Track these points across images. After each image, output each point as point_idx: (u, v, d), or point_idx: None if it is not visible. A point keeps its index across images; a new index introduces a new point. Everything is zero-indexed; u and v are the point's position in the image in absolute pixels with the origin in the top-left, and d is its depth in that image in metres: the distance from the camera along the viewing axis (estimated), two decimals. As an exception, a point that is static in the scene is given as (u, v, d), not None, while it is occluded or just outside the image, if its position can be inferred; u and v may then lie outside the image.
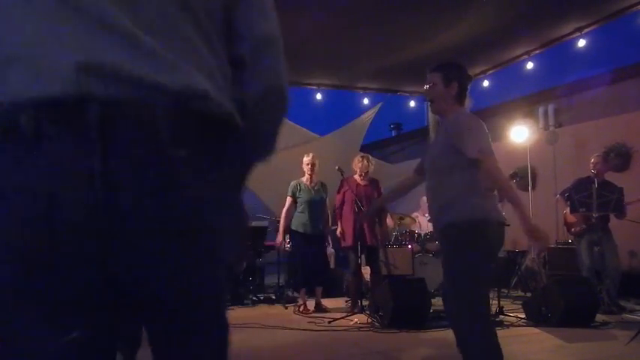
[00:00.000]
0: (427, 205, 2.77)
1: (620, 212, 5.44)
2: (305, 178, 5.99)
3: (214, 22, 0.90)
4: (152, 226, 0.77)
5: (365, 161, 5.86)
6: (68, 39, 0.76)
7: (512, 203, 2.39)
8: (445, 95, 2.60)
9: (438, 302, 5.61)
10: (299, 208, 5.91)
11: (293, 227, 5.96)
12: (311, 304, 5.88)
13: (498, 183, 2.49)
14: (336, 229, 6.11)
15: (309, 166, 5.94)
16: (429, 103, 2.72)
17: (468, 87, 2.69)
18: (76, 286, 0.77)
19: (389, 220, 6.74)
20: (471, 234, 2.43)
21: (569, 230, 5.94)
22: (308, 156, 6.02)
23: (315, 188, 5.97)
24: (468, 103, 2.69)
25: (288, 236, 7.44)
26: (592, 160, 5.79)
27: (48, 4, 0.77)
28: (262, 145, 1.07)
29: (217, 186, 0.85)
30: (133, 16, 0.79)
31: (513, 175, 5.73)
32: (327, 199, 6.12)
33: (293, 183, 6.00)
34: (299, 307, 5.88)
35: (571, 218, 5.85)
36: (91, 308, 0.79)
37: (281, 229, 6.00)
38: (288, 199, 5.96)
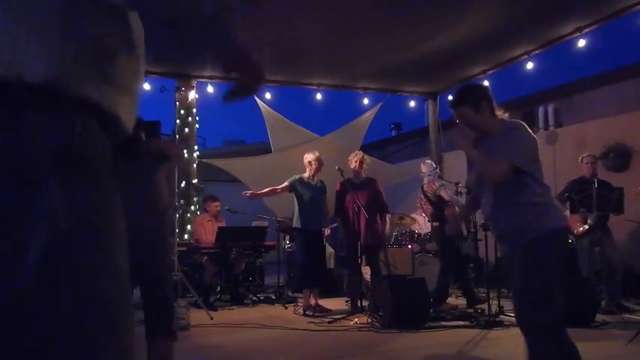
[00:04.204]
0: (491, 221, 2.70)
1: (621, 212, 5.45)
2: (307, 175, 5.95)
3: None
4: None
5: (359, 155, 5.82)
6: None
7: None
8: (482, 120, 2.59)
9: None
10: (299, 205, 5.87)
11: (294, 225, 5.94)
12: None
13: (488, 171, 2.56)
14: (336, 227, 6.09)
15: (317, 162, 5.90)
16: (473, 131, 2.68)
17: (490, 94, 2.66)
18: None
19: (389, 223, 6.72)
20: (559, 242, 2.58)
21: (571, 232, 5.92)
22: (314, 153, 5.98)
23: (318, 186, 5.96)
24: (498, 109, 2.65)
25: (288, 237, 7.43)
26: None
27: None
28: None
29: None
30: None
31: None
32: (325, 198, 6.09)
33: (298, 176, 5.95)
34: (304, 308, 5.73)
35: (573, 221, 5.81)
36: None
37: (261, 191, 6.08)
38: (285, 184, 5.93)
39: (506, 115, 2.71)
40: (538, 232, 2.46)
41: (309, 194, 5.87)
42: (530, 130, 2.61)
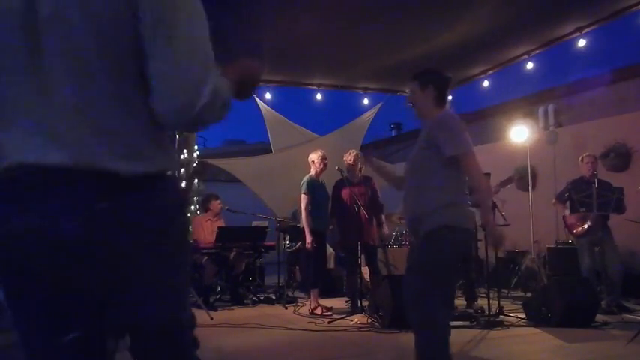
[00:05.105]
0: (403, 205, 2.84)
1: (620, 212, 5.44)
2: (314, 174, 5.88)
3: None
4: None
5: (353, 153, 5.80)
6: None
7: (480, 204, 2.62)
8: (423, 100, 2.74)
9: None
10: (311, 206, 5.76)
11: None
12: (307, 305, 5.83)
13: (476, 180, 2.60)
14: (333, 227, 6.07)
15: (321, 161, 5.83)
16: (413, 109, 2.85)
17: (447, 90, 2.82)
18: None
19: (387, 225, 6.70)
20: (440, 238, 2.56)
21: (571, 232, 5.92)
22: (317, 153, 5.92)
23: (324, 185, 5.94)
24: (449, 105, 2.82)
25: (288, 237, 7.39)
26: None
27: None
28: None
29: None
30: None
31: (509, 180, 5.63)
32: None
33: (307, 179, 5.82)
34: (313, 309, 5.62)
35: (572, 220, 5.81)
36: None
37: (307, 229, 5.68)
38: (306, 197, 5.73)
39: (449, 111, 2.86)
40: (434, 225, 2.54)
41: (319, 194, 5.83)
42: (457, 120, 2.70)
